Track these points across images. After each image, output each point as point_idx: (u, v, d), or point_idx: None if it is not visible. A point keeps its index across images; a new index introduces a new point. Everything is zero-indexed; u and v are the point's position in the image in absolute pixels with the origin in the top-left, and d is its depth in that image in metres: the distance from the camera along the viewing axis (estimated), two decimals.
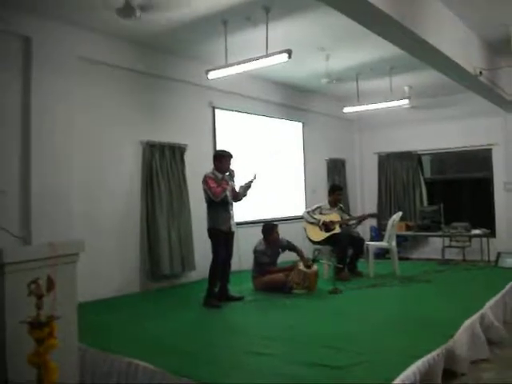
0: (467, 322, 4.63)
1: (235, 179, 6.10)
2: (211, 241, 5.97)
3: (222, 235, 5.90)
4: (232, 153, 6.11)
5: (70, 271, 3.63)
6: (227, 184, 5.91)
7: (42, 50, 5.77)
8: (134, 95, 7.01)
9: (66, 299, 3.46)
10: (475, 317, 4.87)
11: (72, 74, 6.09)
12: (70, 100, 6.07)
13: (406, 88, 9.52)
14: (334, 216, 7.61)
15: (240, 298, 6.11)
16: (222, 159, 6.02)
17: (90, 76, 6.39)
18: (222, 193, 5.82)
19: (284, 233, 7.05)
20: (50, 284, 2.82)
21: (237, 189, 6.15)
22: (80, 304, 3.84)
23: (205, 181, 5.91)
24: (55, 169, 5.85)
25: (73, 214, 5.96)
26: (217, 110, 8.32)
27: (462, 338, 4.31)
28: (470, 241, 9.78)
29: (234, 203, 6.11)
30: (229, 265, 6.11)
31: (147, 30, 6.38)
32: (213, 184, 5.83)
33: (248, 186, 6.16)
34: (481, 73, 7.00)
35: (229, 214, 5.98)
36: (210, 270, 5.93)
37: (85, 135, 6.30)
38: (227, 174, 6.00)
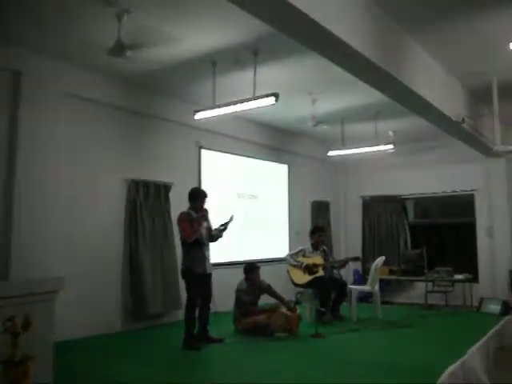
0: (449, 369, 4.59)
1: (210, 219, 6.02)
2: (185, 282, 5.89)
3: (196, 277, 5.79)
4: (206, 191, 6.09)
5: (48, 309, 3.58)
6: (199, 225, 5.82)
7: (30, 85, 5.79)
8: (121, 133, 7.04)
9: (42, 338, 3.40)
10: (458, 363, 4.83)
11: (60, 109, 6.10)
12: (57, 135, 6.07)
13: (391, 133, 9.64)
14: (318, 259, 7.59)
15: (220, 340, 6.02)
16: (196, 198, 5.97)
17: (78, 112, 6.42)
18: (193, 234, 5.73)
19: (267, 274, 7.01)
20: (27, 322, 2.77)
21: (213, 229, 6.07)
22: (57, 343, 3.77)
23: (179, 221, 5.87)
24: (38, 205, 5.79)
25: (54, 251, 5.88)
26: (203, 150, 8.36)
27: None
28: (452, 286, 9.78)
29: (209, 244, 6.03)
30: (208, 307, 5.99)
31: (136, 69, 6.46)
32: (186, 225, 5.77)
33: (224, 227, 6.07)
34: (463, 120, 7.14)
35: (203, 254, 5.87)
36: (186, 312, 5.83)
37: (70, 171, 6.27)
38: (201, 213, 5.91)
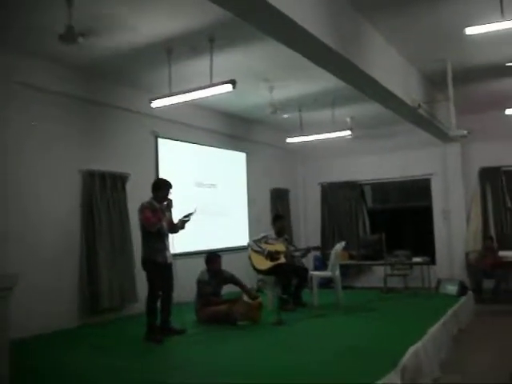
0: (411, 350, 4.65)
1: (172, 209, 5.94)
2: (146, 272, 5.79)
3: (157, 266, 5.70)
4: (171, 182, 6.00)
5: (2, 306, 3.45)
6: (164, 214, 5.77)
7: None
8: (74, 122, 6.83)
9: None
10: (419, 344, 4.90)
11: (8, 99, 5.88)
12: (6, 126, 5.85)
13: (348, 119, 9.70)
14: (280, 246, 7.58)
15: (182, 331, 5.95)
16: (160, 189, 5.88)
17: (28, 102, 6.19)
18: (157, 223, 5.66)
19: (228, 263, 6.97)
20: None
21: (175, 220, 6.00)
22: (13, 340, 3.65)
23: (141, 210, 5.75)
24: None
25: (7, 246, 5.68)
26: (160, 139, 8.23)
27: (406, 366, 4.32)
28: (411, 268, 9.95)
29: (169, 235, 5.95)
30: (170, 297, 5.92)
31: (89, 57, 6.28)
32: (148, 214, 5.66)
33: (187, 219, 6.01)
34: (419, 105, 7.23)
35: (164, 245, 5.81)
36: (147, 303, 5.74)
37: (21, 163, 6.07)
38: (165, 203, 5.86)
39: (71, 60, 6.36)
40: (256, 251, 7.52)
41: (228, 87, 5.94)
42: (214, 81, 6.03)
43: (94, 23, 5.35)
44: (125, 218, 7.23)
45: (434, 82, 7.98)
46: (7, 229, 5.75)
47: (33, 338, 5.68)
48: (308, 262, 10.94)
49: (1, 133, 5.80)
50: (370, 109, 8.77)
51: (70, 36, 4.86)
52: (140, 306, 6.78)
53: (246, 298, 6.46)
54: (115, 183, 7.17)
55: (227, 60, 6.37)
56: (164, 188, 5.90)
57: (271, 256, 7.43)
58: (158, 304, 5.83)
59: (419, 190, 11.31)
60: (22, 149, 6.11)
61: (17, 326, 3.87)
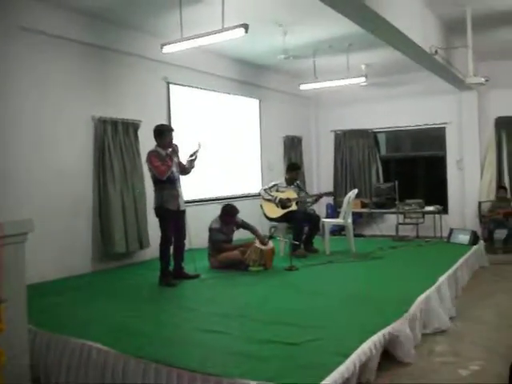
0: (421, 297, 4.71)
1: (179, 154, 5.90)
2: (159, 220, 5.83)
3: (170, 214, 5.74)
4: (171, 127, 5.91)
5: (18, 252, 3.49)
6: (171, 161, 5.72)
7: None
8: (84, 69, 6.74)
9: (13, 281, 3.33)
10: (429, 292, 4.95)
11: (16, 45, 5.76)
12: (15, 74, 5.77)
13: (363, 66, 9.52)
14: (291, 193, 7.61)
15: (195, 277, 6.05)
16: (162, 134, 5.81)
17: (37, 48, 6.08)
18: (167, 171, 5.63)
19: (240, 210, 6.99)
20: None
21: (184, 162, 5.99)
22: (29, 286, 3.72)
23: (148, 159, 5.71)
24: (1, 146, 5.57)
25: (21, 193, 5.72)
26: (171, 86, 8.14)
27: (415, 314, 4.38)
28: (423, 217, 9.96)
29: (181, 179, 5.94)
30: (183, 244, 6.00)
31: (99, 1, 6.14)
32: (157, 163, 5.63)
33: (194, 157, 5.98)
34: (436, 52, 7.05)
35: (176, 191, 5.80)
36: (160, 249, 5.81)
37: (32, 111, 6.02)
38: (170, 149, 5.79)
39: (80, 5, 6.22)
40: (267, 200, 7.56)
41: (240, 32, 5.78)
42: (226, 25, 5.90)
43: None
44: (138, 165, 7.20)
45: (451, 28, 7.74)
46: (20, 175, 5.77)
47: (48, 283, 5.80)
48: (320, 209, 10.99)
49: (10, 81, 5.72)
50: (386, 55, 8.58)
51: None
52: (152, 251, 6.86)
53: (258, 243, 6.51)
54: (127, 130, 7.13)
55: (239, 3, 6.20)
56: (166, 133, 5.84)
57: (282, 204, 7.46)
58: (171, 251, 5.91)
59: (434, 138, 11.18)
60: (32, 97, 6.03)
61: (32, 272, 3.94)
